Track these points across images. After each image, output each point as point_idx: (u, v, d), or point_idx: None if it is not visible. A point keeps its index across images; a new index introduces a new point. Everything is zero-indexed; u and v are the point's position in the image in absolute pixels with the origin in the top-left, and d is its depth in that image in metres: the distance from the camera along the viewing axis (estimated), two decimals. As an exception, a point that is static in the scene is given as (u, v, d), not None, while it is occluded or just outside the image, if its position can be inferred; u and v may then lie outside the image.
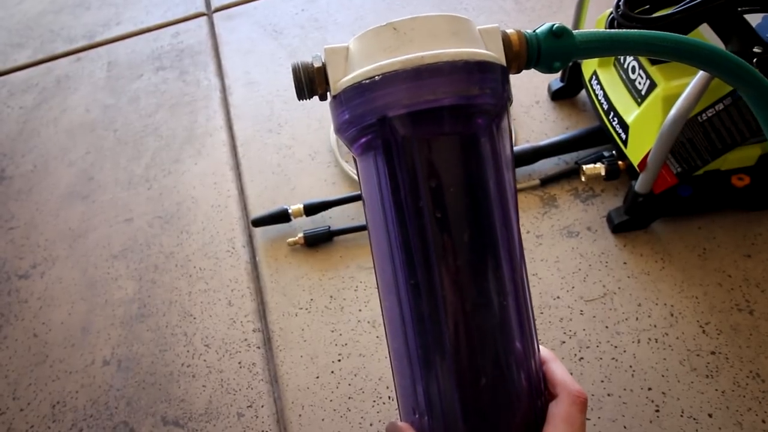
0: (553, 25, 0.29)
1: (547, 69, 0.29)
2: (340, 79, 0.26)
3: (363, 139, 0.27)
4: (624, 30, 0.30)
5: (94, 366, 0.67)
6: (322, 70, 0.27)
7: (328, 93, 0.28)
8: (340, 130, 0.28)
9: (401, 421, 0.30)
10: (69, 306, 0.73)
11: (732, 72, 0.29)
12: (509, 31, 0.28)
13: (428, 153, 0.26)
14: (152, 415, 0.61)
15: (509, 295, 0.28)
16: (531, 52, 0.28)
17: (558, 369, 0.31)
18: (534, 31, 0.29)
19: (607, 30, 0.30)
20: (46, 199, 0.86)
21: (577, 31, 0.29)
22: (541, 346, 0.32)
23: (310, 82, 0.27)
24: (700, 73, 0.53)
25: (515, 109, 0.82)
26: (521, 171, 0.75)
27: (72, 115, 0.98)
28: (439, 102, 0.25)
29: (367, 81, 0.25)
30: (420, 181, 0.26)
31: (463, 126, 0.26)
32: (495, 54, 0.27)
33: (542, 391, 0.30)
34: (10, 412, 0.64)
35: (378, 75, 0.25)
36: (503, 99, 0.27)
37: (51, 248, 0.79)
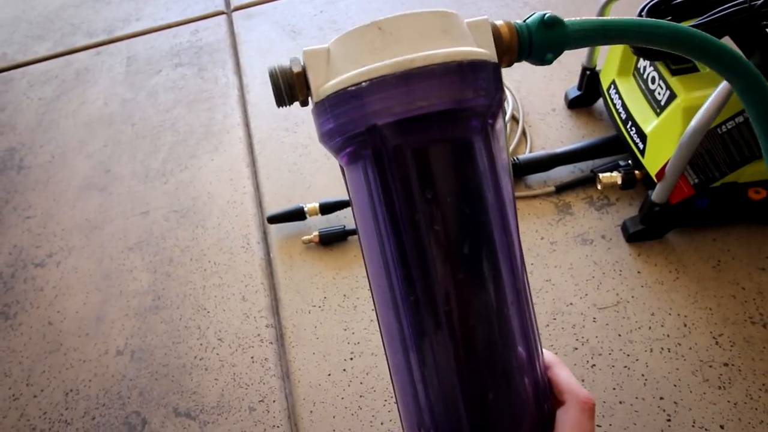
0: (544, 14, 0.27)
1: (540, 61, 0.27)
2: (323, 85, 0.24)
3: (350, 149, 0.25)
4: (617, 18, 0.29)
5: (108, 355, 0.67)
6: (302, 75, 0.25)
7: (309, 99, 0.26)
8: (324, 138, 0.26)
9: None
10: (84, 296, 0.73)
11: (725, 63, 0.28)
12: (499, 23, 0.27)
13: (422, 162, 0.24)
14: (164, 406, 0.62)
15: (512, 303, 0.27)
16: (522, 44, 0.26)
17: (563, 374, 0.30)
18: (524, 21, 0.27)
19: (600, 17, 0.29)
20: (64, 189, 0.87)
21: (568, 19, 0.28)
22: (545, 350, 0.32)
23: (289, 88, 0.25)
24: (721, 84, 0.53)
25: (531, 117, 0.83)
26: (536, 177, 0.75)
27: (90, 108, 0.99)
28: (433, 108, 0.23)
29: (354, 87, 0.23)
30: (415, 193, 0.24)
31: (457, 131, 0.24)
32: (486, 50, 0.25)
33: (548, 395, 0.30)
34: (23, 398, 0.65)
35: (365, 80, 0.23)
36: (497, 98, 0.25)
37: (67, 238, 0.80)
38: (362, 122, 0.23)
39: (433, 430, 0.27)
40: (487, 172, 0.25)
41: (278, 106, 0.25)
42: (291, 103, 0.26)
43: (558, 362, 0.31)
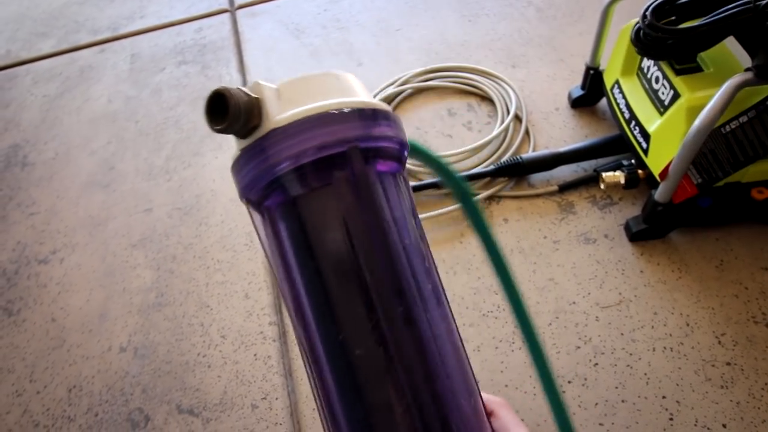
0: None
1: None
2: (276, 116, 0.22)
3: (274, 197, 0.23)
4: None
5: (111, 352, 0.67)
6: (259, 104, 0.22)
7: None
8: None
9: None
10: (87, 292, 0.73)
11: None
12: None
13: (324, 206, 0.22)
14: (167, 403, 0.62)
15: (437, 338, 0.23)
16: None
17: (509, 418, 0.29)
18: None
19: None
20: (67, 186, 0.87)
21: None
22: (492, 396, 0.30)
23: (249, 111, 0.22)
24: (726, 84, 0.53)
25: (535, 116, 0.83)
26: (540, 176, 0.75)
27: (94, 105, 0.99)
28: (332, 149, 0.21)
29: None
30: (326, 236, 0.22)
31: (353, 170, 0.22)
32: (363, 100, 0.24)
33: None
34: (26, 394, 0.65)
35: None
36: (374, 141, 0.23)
37: (71, 235, 0.80)
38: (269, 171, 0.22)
39: None
40: (389, 213, 0.23)
41: (215, 130, 0.22)
42: (244, 127, 0.22)
43: (503, 405, 0.30)
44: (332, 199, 0.22)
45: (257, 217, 0.24)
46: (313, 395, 0.24)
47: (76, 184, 0.87)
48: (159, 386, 0.64)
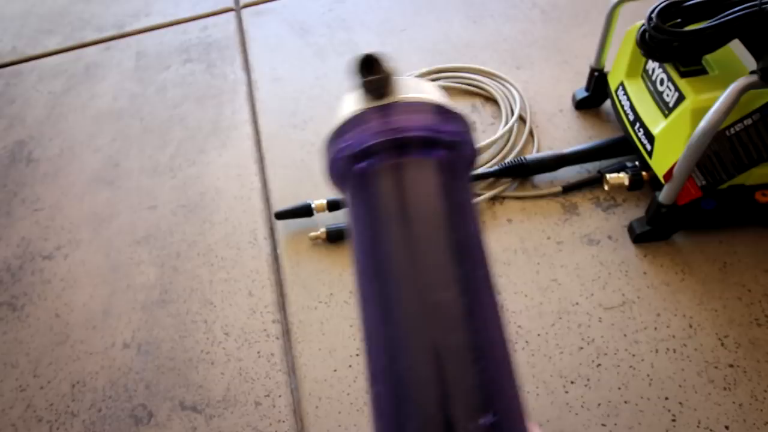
0: None
1: None
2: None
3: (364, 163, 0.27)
4: None
5: (115, 348, 0.68)
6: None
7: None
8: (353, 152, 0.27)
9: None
10: (91, 288, 0.74)
11: None
12: None
13: (400, 181, 0.26)
14: (170, 400, 0.62)
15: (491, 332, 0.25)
16: None
17: None
18: None
19: None
20: (72, 183, 0.87)
21: None
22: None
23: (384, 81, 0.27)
24: (731, 87, 0.53)
25: (539, 117, 0.83)
26: (543, 177, 0.75)
27: (100, 103, 0.99)
28: (411, 133, 0.26)
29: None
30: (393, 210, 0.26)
31: (427, 155, 0.26)
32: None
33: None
34: (30, 389, 0.65)
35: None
36: (460, 142, 0.28)
37: (75, 231, 0.81)
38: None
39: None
40: (454, 202, 0.27)
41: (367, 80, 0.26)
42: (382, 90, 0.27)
43: None
44: (434, 171, 0.26)
45: (354, 178, 0.27)
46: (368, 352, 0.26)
47: (80, 181, 0.87)
48: (162, 383, 0.64)
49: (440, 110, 0.27)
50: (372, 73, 0.26)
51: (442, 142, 0.26)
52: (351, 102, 0.28)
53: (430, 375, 0.23)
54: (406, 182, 0.26)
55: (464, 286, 0.25)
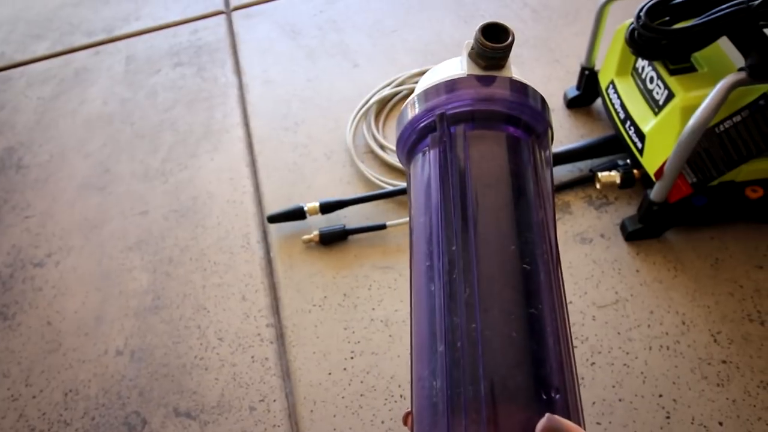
0: None
1: None
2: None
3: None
4: None
5: (107, 355, 0.67)
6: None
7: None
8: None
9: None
10: (83, 295, 0.73)
11: None
12: None
13: (480, 148, 0.27)
14: (164, 406, 0.62)
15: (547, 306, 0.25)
16: None
17: None
18: None
19: None
20: (63, 189, 0.87)
21: None
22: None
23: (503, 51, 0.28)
24: (719, 84, 0.54)
25: (530, 116, 0.83)
26: (535, 177, 0.75)
27: (90, 108, 0.99)
28: (495, 106, 0.28)
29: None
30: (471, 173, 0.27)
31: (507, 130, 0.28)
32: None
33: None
34: (22, 399, 0.65)
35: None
36: (540, 123, 0.29)
37: (66, 238, 0.80)
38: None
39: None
40: (530, 176, 0.27)
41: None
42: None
43: None
44: (529, 153, 0.28)
45: (452, 138, 0.27)
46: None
47: (71, 187, 0.87)
48: (156, 389, 0.63)
49: (541, 100, 0.29)
50: (497, 42, 0.27)
51: (537, 132, 0.28)
52: (457, 65, 0.28)
53: (506, 339, 0.23)
54: (509, 155, 0.27)
55: (544, 261, 0.26)
